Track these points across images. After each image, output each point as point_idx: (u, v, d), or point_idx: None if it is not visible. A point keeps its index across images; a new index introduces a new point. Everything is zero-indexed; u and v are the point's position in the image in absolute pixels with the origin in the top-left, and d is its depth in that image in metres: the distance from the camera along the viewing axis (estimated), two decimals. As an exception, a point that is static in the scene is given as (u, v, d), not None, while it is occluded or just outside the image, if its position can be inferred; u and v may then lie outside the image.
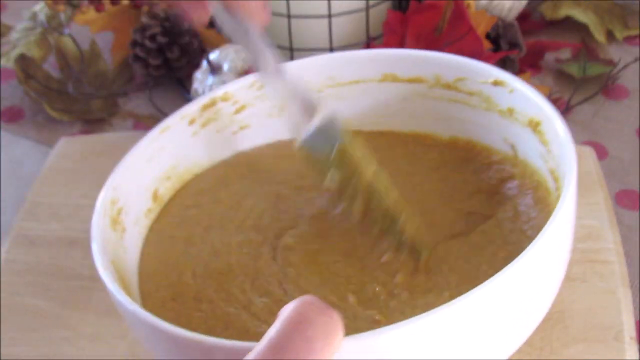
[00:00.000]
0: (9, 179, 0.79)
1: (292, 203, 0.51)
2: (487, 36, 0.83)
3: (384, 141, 0.51)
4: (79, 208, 0.70)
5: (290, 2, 0.80)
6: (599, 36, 0.87)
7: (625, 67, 0.84)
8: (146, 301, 0.47)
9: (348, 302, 0.45)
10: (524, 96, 0.47)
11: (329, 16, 0.81)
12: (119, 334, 0.59)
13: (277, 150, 0.56)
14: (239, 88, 0.55)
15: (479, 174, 0.49)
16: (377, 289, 0.45)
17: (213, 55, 0.78)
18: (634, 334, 0.57)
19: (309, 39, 0.82)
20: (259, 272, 0.47)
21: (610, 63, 0.85)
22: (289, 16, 0.81)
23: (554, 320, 0.57)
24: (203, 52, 0.85)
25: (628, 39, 0.89)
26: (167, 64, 0.85)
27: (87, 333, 0.59)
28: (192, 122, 0.54)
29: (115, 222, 0.48)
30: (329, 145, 0.48)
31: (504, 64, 0.83)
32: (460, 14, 0.79)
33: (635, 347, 0.56)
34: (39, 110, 0.86)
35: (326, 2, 0.80)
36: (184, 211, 0.52)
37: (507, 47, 0.84)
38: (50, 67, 0.89)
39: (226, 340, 0.37)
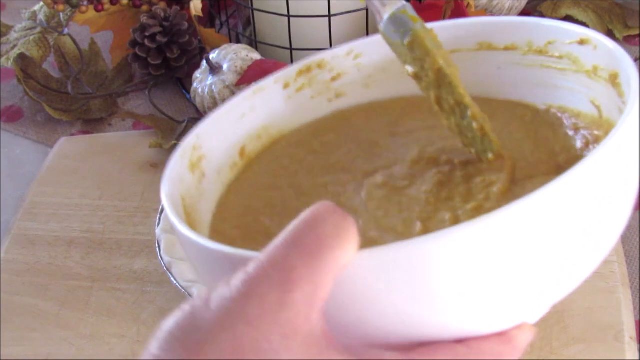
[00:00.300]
0: (9, 178, 0.79)
1: (387, 148, 0.52)
2: (487, 36, 0.83)
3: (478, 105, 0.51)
4: (79, 208, 0.70)
5: (290, 2, 0.80)
6: (599, 36, 0.87)
7: (625, 66, 0.84)
8: (214, 238, 0.47)
9: (413, 229, 0.44)
10: (606, 50, 0.48)
11: (329, 16, 0.80)
12: (118, 334, 0.59)
13: (370, 108, 0.56)
14: (335, 56, 0.56)
15: (567, 140, 0.49)
16: (446, 216, 0.44)
17: (213, 55, 0.78)
18: (634, 334, 0.57)
19: (308, 39, 0.82)
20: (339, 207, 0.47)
21: (610, 63, 0.85)
22: (289, 16, 0.81)
23: (554, 320, 0.57)
24: (203, 51, 0.85)
25: (628, 39, 0.89)
26: (167, 63, 0.85)
27: (86, 333, 0.59)
28: (286, 86, 0.54)
29: (194, 166, 0.49)
30: (402, 32, 0.48)
31: (503, 63, 0.83)
32: (460, 14, 0.79)
33: (635, 347, 0.56)
34: (38, 110, 0.86)
35: (326, 1, 0.80)
36: (273, 161, 0.53)
37: (507, 46, 0.84)
38: (50, 66, 0.89)
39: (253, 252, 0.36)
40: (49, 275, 0.64)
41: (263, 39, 0.85)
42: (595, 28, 0.88)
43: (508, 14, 0.86)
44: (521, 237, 0.35)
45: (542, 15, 0.91)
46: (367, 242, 0.40)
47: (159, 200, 0.61)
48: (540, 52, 0.52)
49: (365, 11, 0.82)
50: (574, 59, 0.50)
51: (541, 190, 0.34)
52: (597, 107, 0.49)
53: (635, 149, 0.41)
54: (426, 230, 0.43)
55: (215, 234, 0.48)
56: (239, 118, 0.53)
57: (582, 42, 0.49)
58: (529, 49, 0.52)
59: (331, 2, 0.80)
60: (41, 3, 0.90)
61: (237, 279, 0.32)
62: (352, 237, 0.33)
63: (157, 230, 0.61)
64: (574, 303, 0.58)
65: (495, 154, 0.48)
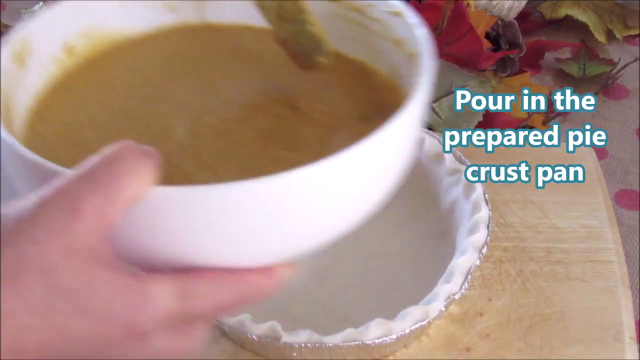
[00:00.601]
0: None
1: (223, 89, 0.53)
2: (487, 36, 0.83)
3: None
4: (79, 208, 0.70)
5: (290, 1, 0.80)
6: (599, 36, 0.87)
7: (625, 67, 0.84)
8: (31, 139, 0.49)
9: (229, 172, 0.46)
10: (412, 30, 0.50)
11: (329, 16, 0.80)
12: (118, 334, 0.59)
13: (202, 42, 0.57)
14: None
15: (366, 94, 0.52)
16: (260, 163, 0.46)
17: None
18: (634, 334, 0.57)
19: (308, 39, 0.82)
20: (162, 138, 0.48)
21: (610, 63, 0.85)
22: (288, 16, 0.81)
23: (554, 320, 0.57)
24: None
25: (628, 39, 0.89)
26: (167, 63, 0.85)
27: (87, 333, 0.59)
28: None
29: (19, 57, 0.50)
30: None
31: (503, 63, 0.83)
32: (460, 14, 0.79)
33: (635, 347, 0.56)
34: (38, 110, 0.86)
35: (326, 1, 0.80)
36: (105, 83, 0.54)
37: (507, 46, 0.84)
38: (50, 66, 0.89)
39: (54, 165, 0.38)
40: (48, 275, 0.64)
41: (263, 39, 0.85)
42: (595, 28, 0.88)
43: (508, 13, 0.86)
44: (284, 201, 0.39)
45: (542, 16, 0.92)
46: (179, 175, 0.44)
47: (158, 200, 0.61)
48: (358, 10, 0.53)
49: (365, 11, 0.81)
50: (385, 25, 0.52)
51: (308, 167, 0.38)
52: (395, 74, 0.52)
53: (413, 131, 0.44)
54: (239, 174, 0.44)
55: (33, 135, 0.49)
56: (71, 16, 0.53)
57: (396, 14, 0.51)
58: (348, 5, 0.54)
59: (331, 2, 0.80)
60: (41, 3, 0.90)
61: (31, 200, 0.35)
62: (145, 177, 0.36)
63: (157, 230, 0.61)
64: (574, 303, 0.58)
65: (327, 56, 0.51)
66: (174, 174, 0.41)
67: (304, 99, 0.51)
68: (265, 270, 0.40)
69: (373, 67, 0.53)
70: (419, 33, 0.49)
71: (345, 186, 0.41)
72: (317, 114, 0.50)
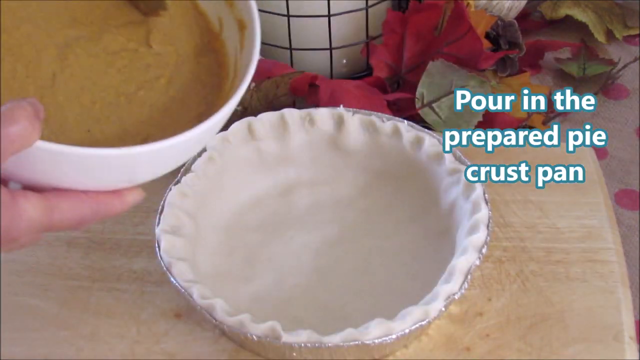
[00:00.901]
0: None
1: (84, 15, 0.56)
2: (487, 36, 0.83)
3: None
4: (78, 208, 0.70)
5: (290, 1, 0.80)
6: (599, 36, 0.87)
7: (624, 66, 0.84)
8: None
9: (90, 109, 0.53)
10: (246, 3, 0.55)
11: (329, 16, 0.80)
12: (117, 333, 0.59)
13: None
14: None
15: (201, 35, 0.57)
16: (117, 98, 0.53)
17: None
18: (633, 334, 0.57)
19: (308, 39, 0.82)
20: (35, 64, 0.52)
21: (610, 63, 0.85)
22: (288, 16, 0.81)
23: (554, 320, 0.57)
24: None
25: (628, 39, 0.89)
26: (167, 63, 0.85)
27: (86, 333, 0.59)
28: None
29: None
30: None
31: (503, 63, 0.83)
32: (459, 14, 0.79)
33: (635, 347, 0.56)
34: (38, 110, 0.86)
35: (325, 1, 0.80)
36: None
37: (507, 46, 0.84)
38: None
39: None
40: (49, 275, 0.64)
41: (262, 39, 0.84)
42: (595, 28, 0.88)
43: (508, 13, 0.86)
44: (124, 161, 0.48)
45: (542, 16, 0.92)
46: (54, 106, 0.52)
47: (158, 200, 0.61)
48: None
49: (365, 11, 0.81)
50: None
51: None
52: (220, 26, 0.57)
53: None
54: (102, 109, 0.53)
55: None
56: None
57: None
58: None
59: (331, 2, 0.80)
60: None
61: None
62: (33, 137, 0.44)
63: (157, 230, 0.61)
64: (574, 303, 0.58)
65: (165, 8, 0.57)
66: (49, 104, 0.51)
67: (155, 38, 0.56)
68: (115, 192, 0.50)
69: (206, 14, 0.58)
70: (253, 7, 0.55)
71: (171, 154, 0.50)
72: (166, 54, 0.56)
